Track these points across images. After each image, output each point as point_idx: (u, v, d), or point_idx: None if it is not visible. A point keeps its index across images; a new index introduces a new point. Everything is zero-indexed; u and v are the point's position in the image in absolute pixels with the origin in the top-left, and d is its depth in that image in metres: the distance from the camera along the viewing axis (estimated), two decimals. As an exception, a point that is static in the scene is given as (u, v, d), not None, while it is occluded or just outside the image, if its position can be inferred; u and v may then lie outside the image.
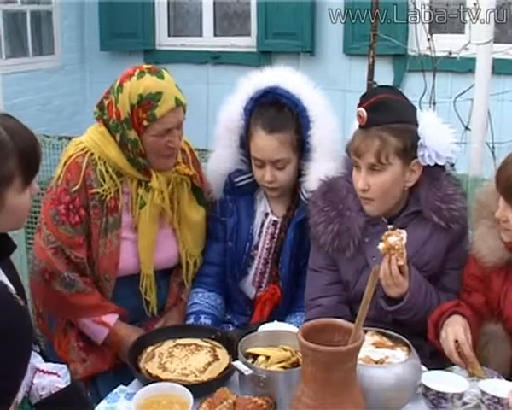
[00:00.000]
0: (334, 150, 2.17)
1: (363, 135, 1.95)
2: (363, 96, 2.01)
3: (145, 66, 2.12)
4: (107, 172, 2.10)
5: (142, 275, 2.20)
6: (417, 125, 1.97)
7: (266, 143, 2.15)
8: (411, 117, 1.98)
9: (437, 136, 1.96)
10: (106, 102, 2.12)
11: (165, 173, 2.16)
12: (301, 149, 2.20)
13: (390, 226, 1.99)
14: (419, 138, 1.96)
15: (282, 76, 2.22)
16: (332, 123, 2.20)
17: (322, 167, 2.14)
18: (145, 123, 2.04)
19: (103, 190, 2.09)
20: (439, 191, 1.99)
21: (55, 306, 2.18)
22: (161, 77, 2.07)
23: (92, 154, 2.11)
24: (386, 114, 1.94)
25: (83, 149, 2.12)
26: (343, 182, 2.06)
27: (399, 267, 1.88)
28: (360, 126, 1.97)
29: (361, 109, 1.95)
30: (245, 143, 2.25)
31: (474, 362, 1.80)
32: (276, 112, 2.16)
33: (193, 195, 2.29)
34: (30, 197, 1.61)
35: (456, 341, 1.81)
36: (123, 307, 2.18)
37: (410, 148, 1.95)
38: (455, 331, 1.82)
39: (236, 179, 2.28)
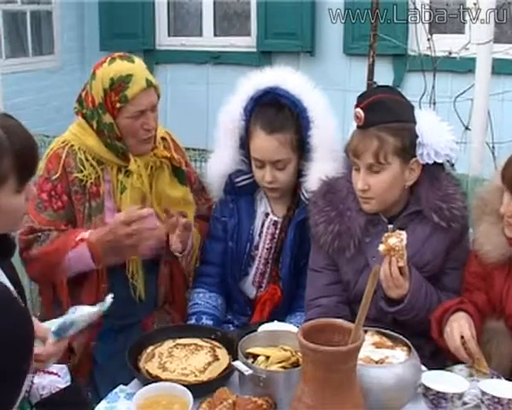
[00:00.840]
0: (335, 150, 2.17)
1: (361, 135, 1.95)
2: (360, 96, 2.01)
3: (117, 53, 2.19)
4: (87, 160, 2.16)
5: (127, 259, 2.20)
6: (415, 123, 1.98)
7: (266, 144, 2.15)
8: (409, 116, 1.98)
9: (435, 134, 1.96)
10: (83, 94, 2.20)
11: (143, 158, 2.20)
12: (301, 149, 2.20)
13: (390, 226, 2.00)
14: (417, 137, 1.96)
15: (282, 76, 2.22)
16: (332, 123, 2.20)
17: (322, 167, 2.14)
18: (118, 105, 2.10)
19: (83, 176, 2.15)
20: (440, 191, 2.00)
21: (44, 272, 2.15)
22: (131, 61, 2.15)
23: (72, 145, 2.18)
24: (384, 113, 1.94)
25: (63, 142, 2.20)
26: (343, 182, 2.06)
27: (400, 269, 1.88)
28: (358, 127, 1.97)
29: (358, 110, 1.95)
30: (245, 143, 2.25)
31: (479, 358, 1.80)
32: (276, 112, 2.16)
33: (174, 176, 2.31)
34: (26, 200, 1.60)
35: (462, 337, 1.81)
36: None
37: (408, 147, 1.95)
38: (460, 327, 1.82)
39: (237, 180, 2.28)
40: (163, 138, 2.32)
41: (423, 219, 2.01)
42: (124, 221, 2.04)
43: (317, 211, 2.06)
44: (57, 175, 2.14)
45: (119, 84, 2.09)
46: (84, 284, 2.16)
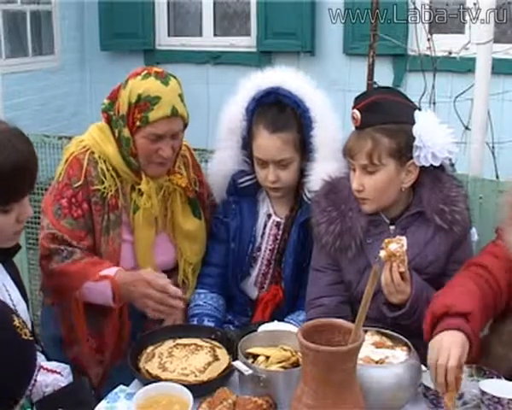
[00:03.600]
0: (337, 151, 2.16)
1: (357, 136, 1.96)
2: (357, 97, 2.02)
3: (155, 68, 2.11)
4: (108, 170, 2.11)
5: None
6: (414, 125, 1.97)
7: (269, 143, 2.14)
8: (407, 117, 1.97)
9: (433, 136, 1.95)
10: (118, 95, 2.13)
11: (156, 180, 2.16)
12: (304, 149, 2.19)
13: (392, 227, 2.00)
14: (415, 139, 1.95)
15: (284, 76, 2.20)
16: (334, 123, 2.19)
17: (324, 168, 2.13)
18: (138, 123, 2.05)
19: (104, 188, 2.10)
20: (442, 193, 1.99)
21: (58, 288, 2.13)
22: (166, 83, 2.06)
23: (93, 152, 2.12)
24: (380, 114, 1.94)
25: (83, 147, 2.13)
26: (346, 182, 2.06)
27: (401, 274, 1.87)
28: (355, 127, 1.98)
29: (355, 111, 1.96)
30: (247, 143, 2.24)
31: (452, 392, 1.60)
32: (279, 112, 2.15)
33: (188, 205, 2.27)
34: (17, 221, 1.58)
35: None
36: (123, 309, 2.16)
37: (404, 148, 1.94)
38: (449, 354, 1.60)
39: (240, 180, 2.27)
40: (183, 156, 2.25)
41: (425, 220, 2.01)
42: (147, 280, 2.01)
43: (319, 211, 2.06)
44: (80, 183, 2.08)
45: (144, 103, 2.02)
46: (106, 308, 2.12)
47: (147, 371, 1.79)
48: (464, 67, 3.45)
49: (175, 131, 2.08)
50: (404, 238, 1.86)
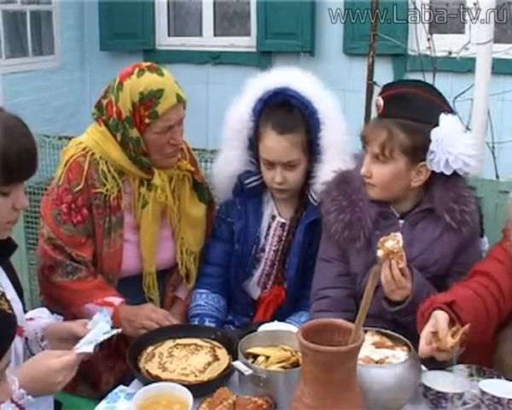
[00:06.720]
0: (344, 152, 2.15)
1: (375, 124, 1.95)
2: (385, 85, 2.00)
3: (144, 64, 2.11)
4: (109, 171, 2.10)
5: (144, 273, 2.21)
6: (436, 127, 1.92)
7: (277, 145, 2.13)
8: (431, 117, 1.92)
9: (450, 144, 1.90)
10: (104, 101, 2.12)
11: (167, 171, 2.17)
12: (311, 150, 2.18)
13: (401, 221, 2.00)
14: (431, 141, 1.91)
15: (291, 77, 2.19)
16: (342, 125, 2.18)
17: (331, 169, 2.12)
18: (147, 120, 2.04)
19: (106, 190, 2.09)
20: (454, 192, 1.97)
21: (58, 299, 2.13)
22: (161, 74, 2.07)
23: (93, 153, 2.11)
24: (403, 108, 1.91)
25: (84, 149, 2.11)
26: (357, 174, 2.04)
27: (400, 270, 1.87)
28: (377, 115, 1.97)
29: (379, 98, 1.95)
30: (253, 144, 2.23)
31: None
32: (287, 113, 2.14)
33: (194, 191, 2.29)
34: (14, 209, 1.58)
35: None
36: None
37: (419, 148, 1.91)
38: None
39: (246, 181, 2.26)
40: (180, 149, 2.26)
41: (435, 218, 1.99)
42: (151, 308, 2.08)
43: (330, 200, 2.05)
44: (80, 187, 2.07)
45: (149, 100, 2.02)
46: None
47: (147, 371, 1.79)
48: (464, 67, 3.45)
49: (181, 117, 2.10)
50: (399, 234, 1.85)
